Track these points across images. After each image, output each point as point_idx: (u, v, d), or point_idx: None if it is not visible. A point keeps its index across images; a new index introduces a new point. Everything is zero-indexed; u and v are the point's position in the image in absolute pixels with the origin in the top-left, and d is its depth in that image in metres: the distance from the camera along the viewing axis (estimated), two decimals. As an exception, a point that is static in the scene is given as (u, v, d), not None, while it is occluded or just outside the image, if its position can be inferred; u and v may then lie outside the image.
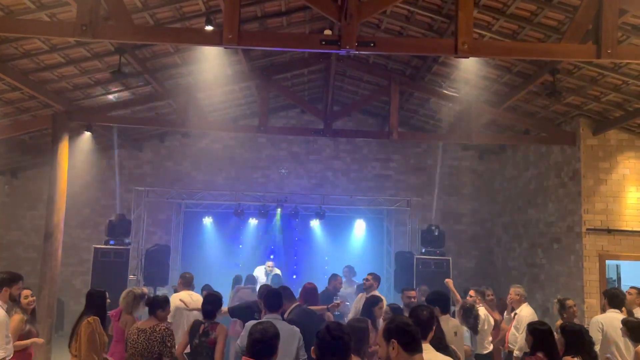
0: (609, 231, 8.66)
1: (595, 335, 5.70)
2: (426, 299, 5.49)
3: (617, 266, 11.01)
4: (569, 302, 6.49)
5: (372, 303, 6.11)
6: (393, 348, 2.79)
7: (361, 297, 7.41)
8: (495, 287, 9.92)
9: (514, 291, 6.96)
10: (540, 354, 4.36)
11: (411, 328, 2.85)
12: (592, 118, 8.94)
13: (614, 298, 6.08)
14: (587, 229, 8.71)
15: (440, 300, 5.17)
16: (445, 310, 5.14)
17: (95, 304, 5.56)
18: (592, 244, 8.69)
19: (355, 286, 9.81)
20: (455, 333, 5.10)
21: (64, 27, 5.77)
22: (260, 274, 11.00)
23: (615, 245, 8.68)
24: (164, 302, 5.47)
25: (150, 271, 10.35)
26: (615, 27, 5.41)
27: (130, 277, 10.16)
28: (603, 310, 6.14)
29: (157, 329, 5.12)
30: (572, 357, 4.72)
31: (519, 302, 6.84)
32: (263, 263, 11.55)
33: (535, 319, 6.32)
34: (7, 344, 5.17)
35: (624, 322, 5.38)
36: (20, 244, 12.46)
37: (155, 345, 5.06)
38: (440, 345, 3.90)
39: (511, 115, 9.66)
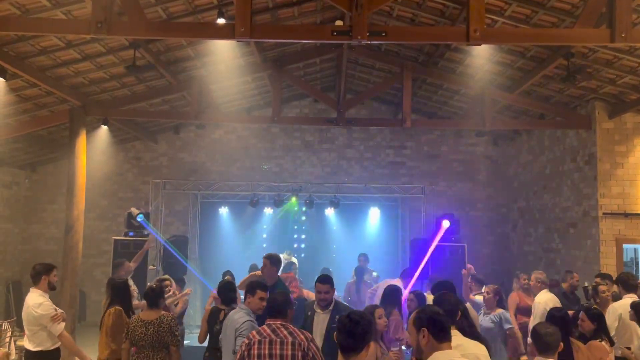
0: (626, 215, 8.60)
1: (612, 323, 5.70)
2: (431, 289, 5.56)
3: (635, 250, 10.95)
4: (602, 287, 6.48)
5: (398, 291, 6.07)
6: (424, 336, 2.87)
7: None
8: (511, 272, 9.95)
9: (533, 277, 6.96)
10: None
11: (441, 317, 2.94)
12: (607, 101, 8.85)
13: (626, 283, 6.07)
14: (604, 213, 8.66)
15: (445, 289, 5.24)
16: None
17: (120, 293, 5.73)
18: (609, 228, 8.64)
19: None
20: None
21: (80, 24, 5.87)
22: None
23: (632, 229, 8.62)
24: (161, 291, 5.56)
25: (169, 262, 10.51)
26: (630, 10, 5.35)
27: (150, 267, 10.34)
28: (618, 297, 6.12)
29: (164, 320, 5.13)
30: (600, 341, 4.79)
31: (538, 289, 6.83)
32: (280, 252, 11.65)
33: (550, 304, 6.33)
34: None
35: (632, 305, 5.39)
36: (42, 237, 12.73)
37: (165, 335, 5.08)
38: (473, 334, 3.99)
39: (525, 100, 9.59)
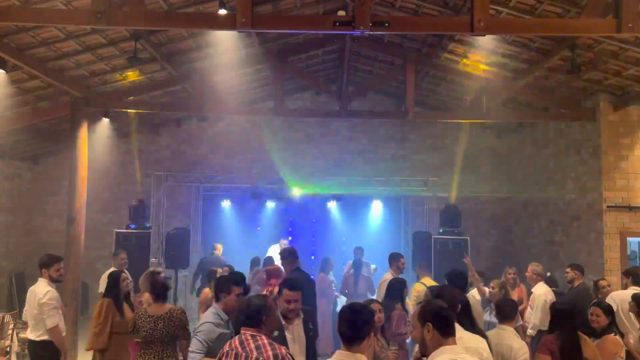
0: (631, 208, 8.54)
1: None
2: (445, 277, 5.50)
3: (639, 243, 10.89)
4: (602, 283, 6.48)
5: (402, 284, 5.99)
6: (428, 331, 2.85)
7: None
8: (514, 266, 9.90)
9: (530, 269, 6.97)
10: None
11: (446, 312, 2.92)
12: (612, 93, 8.76)
13: (636, 275, 6.07)
14: (608, 206, 8.60)
15: (458, 279, 5.18)
16: (462, 289, 5.14)
17: (110, 285, 5.81)
18: (613, 221, 8.58)
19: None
20: None
21: (80, 14, 5.83)
22: (275, 253, 11.10)
23: (637, 222, 8.56)
24: (168, 284, 5.52)
25: (171, 254, 10.52)
26: (636, 0, 5.26)
27: (152, 260, 10.34)
28: (625, 289, 6.11)
29: (175, 314, 4.93)
30: (615, 335, 4.76)
31: (535, 281, 6.84)
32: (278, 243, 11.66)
33: (550, 297, 6.32)
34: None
35: (633, 297, 5.36)
36: (44, 229, 12.73)
37: (176, 330, 4.91)
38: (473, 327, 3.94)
39: (530, 92, 9.51)
